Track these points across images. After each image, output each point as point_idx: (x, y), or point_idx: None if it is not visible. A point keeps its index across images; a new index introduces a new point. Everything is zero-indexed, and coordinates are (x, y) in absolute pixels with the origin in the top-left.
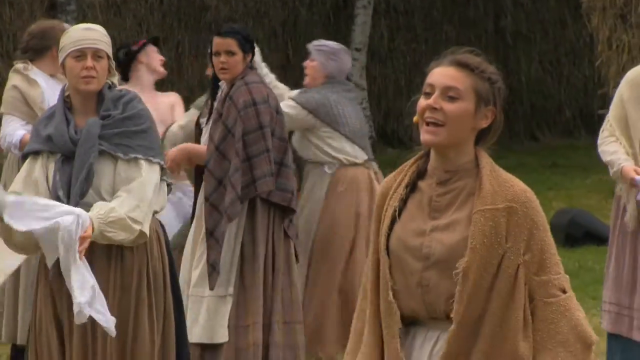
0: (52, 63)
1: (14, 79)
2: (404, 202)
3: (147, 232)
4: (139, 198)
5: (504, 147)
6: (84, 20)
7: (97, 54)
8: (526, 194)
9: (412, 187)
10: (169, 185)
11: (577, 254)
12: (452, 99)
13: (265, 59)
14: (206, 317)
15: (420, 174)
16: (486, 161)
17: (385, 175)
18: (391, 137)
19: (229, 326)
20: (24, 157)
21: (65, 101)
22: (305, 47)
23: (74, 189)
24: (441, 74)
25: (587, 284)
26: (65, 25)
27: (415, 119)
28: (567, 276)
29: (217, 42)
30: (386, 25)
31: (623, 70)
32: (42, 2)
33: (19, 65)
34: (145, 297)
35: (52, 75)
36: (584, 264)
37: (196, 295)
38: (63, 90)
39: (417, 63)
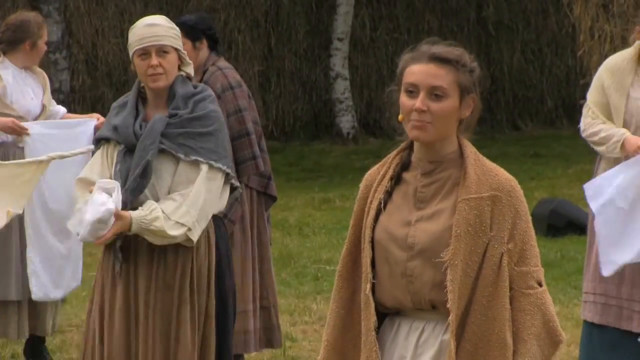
0: (26, 56)
1: None
2: (389, 194)
3: (195, 238)
4: (191, 204)
5: (486, 137)
6: (66, 10)
7: (162, 50)
8: (510, 183)
9: (396, 179)
10: (235, 188)
11: (559, 244)
12: (438, 97)
13: (247, 48)
14: None
15: (404, 166)
16: (470, 150)
17: (367, 165)
18: (373, 127)
19: None
20: (97, 142)
21: (141, 92)
22: (288, 37)
23: (128, 183)
24: (424, 73)
25: (570, 273)
26: (41, 18)
27: (400, 117)
28: (543, 269)
29: None
30: (368, 14)
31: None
32: None
33: None
34: (187, 297)
35: (26, 68)
36: (566, 253)
37: None
38: (138, 82)
39: (399, 53)
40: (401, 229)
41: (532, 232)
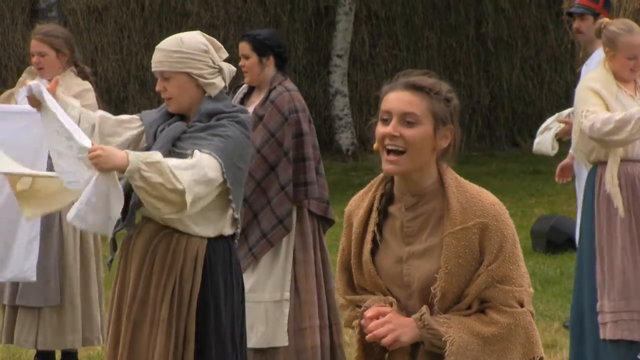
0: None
1: None
2: (379, 227)
3: (188, 202)
4: (193, 164)
5: (485, 154)
6: (65, 25)
7: (162, 75)
8: (495, 208)
9: (384, 213)
10: (233, 236)
11: (558, 260)
12: (410, 124)
13: None
14: (265, 322)
15: (389, 199)
16: (450, 178)
17: (366, 182)
18: (373, 144)
19: (288, 330)
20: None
21: None
22: (287, 54)
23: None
24: (397, 100)
25: (569, 290)
26: (36, 28)
27: (375, 146)
28: (532, 291)
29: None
30: (367, 31)
31: None
32: (24, 8)
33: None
34: (165, 317)
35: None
36: (565, 270)
37: (252, 301)
38: None
39: (398, 69)
40: (395, 267)
41: (519, 252)
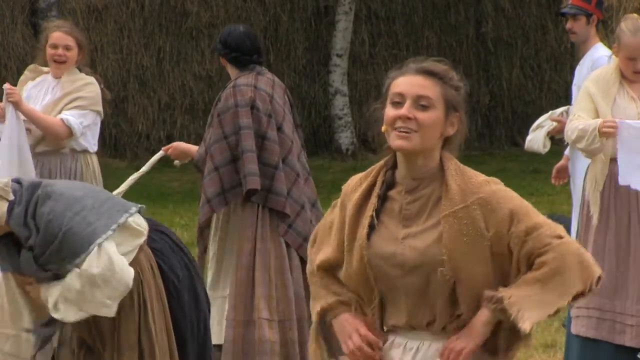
0: (46, 64)
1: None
2: (376, 212)
3: (103, 313)
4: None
5: (485, 153)
6: None
7: None
8: (489, 183)
9: (383, 198)
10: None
11: None
12: (424, 107)
13: None
14: (217, 319)
15: (389, 185)
16: (450, 162)
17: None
18: (372, 143)
19: (238, 322)
20: None
21: None
22: (287, 53)
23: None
24: (411, 84)
25: None
26: (53, 23)
27: (383, 128)
28: (559, 225)
29: None
30: (367, 31)
31: None
32: (24, 8)
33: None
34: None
35: (58, 76)
36: None
37: (211, 297)
38: None
39: None
40: (389, 247)
41: (527, 203)
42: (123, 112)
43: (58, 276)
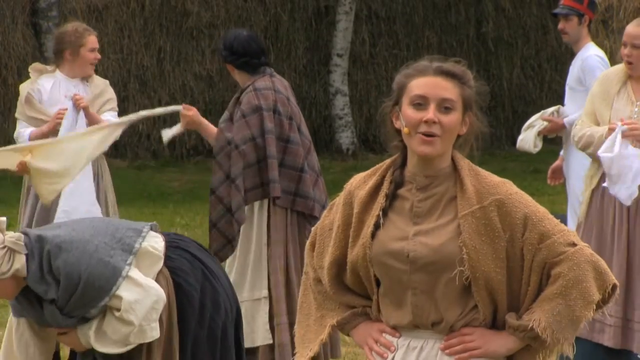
0: (70, 65)
1: (23, 84)
2: (383, 211)
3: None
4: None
5: (486, 153)
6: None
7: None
8: (505, 184)
9: (391, 197)
10: (153, 229)
11: None
12: (447, 110)
13: None
14: (245, 322)
15: (397, 184)
16: (463, 162)
17: None
18: (373, 143)
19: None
20: None
21: None
22: (287, 53)
23: None
24: (434, 86)
25: None
26: (83, 27)
27: (405, 130)
28: (573, 230)
29: None
30: (368, 31)
31: None
32: (24, 7)
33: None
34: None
35: (84, 78)
36: None
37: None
38: None
39: (398, 69)
40: (397, 243)
41: (542, 209)
42: (123, 111)
43: (85, 319)
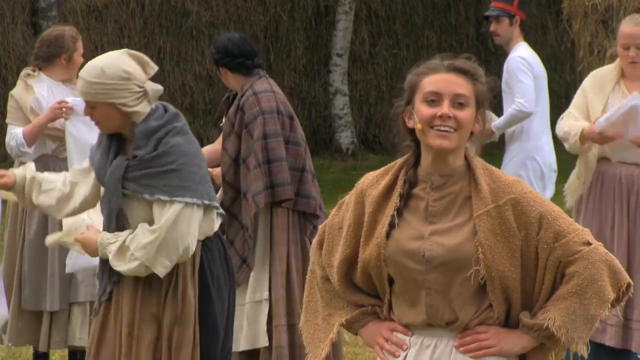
0: (63, 70)
1: (15, 88)
2: (398, 210)
3: (160, 272)
4: (149, 241)
5: (485, 152)
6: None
7: (89, 106)
8: (519, 183)
9: (405, 197)
10: (219, 214)
11: None
12: (461, 105)
13: None
14: (247, 324)
15: (412, 184)
16: (477, 161)
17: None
18: (373, 143)
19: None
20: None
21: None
22: (287, 53)
23: (108, 230)
24: (446, 82)
25: None
26: (75, 31)
27: (419, 126)
28: (587, 229)
29: None
30: (367, 30)
31: None
32: (24, 7)
33: (23, 72)
34: (172, 328)
35: (66, 81)
36: None
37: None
38: None
39: (398, 68)
40: (413, 243)
41: (557, 207)
42: None
43: (123, 217)
